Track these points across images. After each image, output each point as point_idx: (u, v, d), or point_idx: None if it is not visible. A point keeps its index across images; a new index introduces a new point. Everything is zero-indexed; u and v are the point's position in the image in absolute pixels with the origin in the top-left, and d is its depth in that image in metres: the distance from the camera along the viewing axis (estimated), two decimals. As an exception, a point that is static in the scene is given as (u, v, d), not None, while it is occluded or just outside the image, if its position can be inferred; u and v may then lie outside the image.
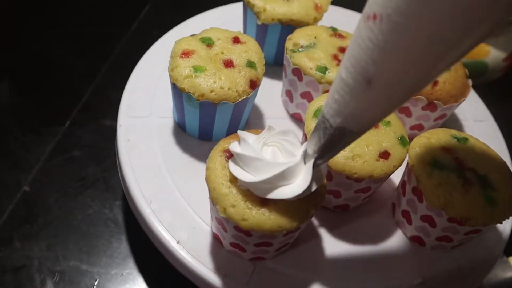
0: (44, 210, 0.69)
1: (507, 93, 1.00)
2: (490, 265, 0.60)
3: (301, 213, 0.48)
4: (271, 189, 0.46)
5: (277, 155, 0.48)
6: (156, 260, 0.60)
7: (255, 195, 0.47)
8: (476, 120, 0.76)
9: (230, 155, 0.50)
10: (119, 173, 0.62)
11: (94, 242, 0.67)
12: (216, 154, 0.51)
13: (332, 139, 0.42)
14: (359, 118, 0.39)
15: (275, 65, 0.76)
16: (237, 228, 0.49)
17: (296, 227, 0.47)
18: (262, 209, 0.47)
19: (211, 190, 0.49)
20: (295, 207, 0.47)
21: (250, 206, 0.47)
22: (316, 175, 0.46)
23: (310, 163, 0.45)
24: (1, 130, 0.78)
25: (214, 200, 0.48)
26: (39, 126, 0.80)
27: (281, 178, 0.46)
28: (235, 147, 0.48)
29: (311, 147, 0.45)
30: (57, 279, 0.63)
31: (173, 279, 0.63)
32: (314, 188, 0.47)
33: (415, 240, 0.60)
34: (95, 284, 0.63)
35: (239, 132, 0.49)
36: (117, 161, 0.62)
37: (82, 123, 0.81)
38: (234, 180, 0.48)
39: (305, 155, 0.46)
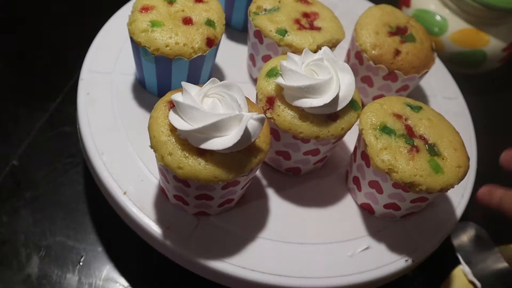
0: (32, 184, 0.69)
1: (505, 84, 0.98)
2: (441, 238, 0.60)
3: (239, 166, 0.48)
4: (205, 139, 0.46)
5: (217, 107, 0.48)
6: (138, 241, 0.59)
7: (193, 145, 0.47)
8: (445, 97, 0.75)
9: (173, 106, 0.50)
10: (77, 127, 0.62)
11: (81, 218, 0.67)
12: (161, 104, 0.51)
13: None
14: None
15: (244, 32, 0.76)
16: (175, 178, 0.49)
17: (232, 179, 0.48)
18: (199, 159, 0.47)
19: (151, 138, 0.49)
20: (233, 159, 0.48)
21: (187, 155, 0.47)
22: (250, 130, 0.47)
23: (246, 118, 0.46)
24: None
25: (153, 148, 0.49)
26: (31, 100, 0.79)
27: (215, 129, 0.46)
28: (177, 96, 0.48)
29: None
30: (43, 254, 0.63)
31: (150, 259, 0.64)
32: (247, 143, 0.47)
33: (364, 207, 0.60)
34: (81, 260, 0.63)
35: (183, 83, 0.49)
36: (76, 115, 0.63)
37: (74, 99, 0.80)
38: (174, 129, 0.48)
39: None
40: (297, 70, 0.53)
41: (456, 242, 0.68)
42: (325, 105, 0.52)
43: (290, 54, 0.54)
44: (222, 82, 0.49)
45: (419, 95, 0.74)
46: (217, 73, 0.70)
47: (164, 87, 0.62)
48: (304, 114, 0.53)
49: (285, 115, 0.53)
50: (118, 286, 0.63)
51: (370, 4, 0.86)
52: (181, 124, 0.47)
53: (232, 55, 0.72)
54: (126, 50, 0.69)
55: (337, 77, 0.53)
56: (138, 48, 0.58)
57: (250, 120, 0.47)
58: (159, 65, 0.59)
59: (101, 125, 0.60)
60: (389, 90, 0.66)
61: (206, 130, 0.46)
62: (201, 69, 0.61)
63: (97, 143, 0.59)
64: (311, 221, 0.58)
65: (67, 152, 0.73)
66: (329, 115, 0.54)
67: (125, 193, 0.55)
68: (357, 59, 0.66)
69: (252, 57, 0.68)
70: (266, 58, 0.65)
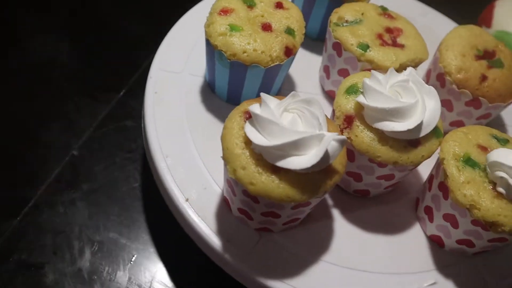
0: (90, 177, 0.69)
1: None
2: (513, 282, 0.56)
3: (313, 187, 0.45)
4: (282, 157, 0.44)
5: (297, 123, 0.46)
6: (192, 246, 0.58)
7: (268, 161, 0.45)
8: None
9: (249, 117, 0.48)
10: (142, 124, 0.61)
11: (136, 216, 0.66)
12: (236, 114, 0.49)
13: None
14: None
15: (318, 41, 0.73)
16: (245, 192, 0.47)
17: (305, 200, 0.45)
18: (273, 176, 0.45)
19: (224, 149, 0.47)
20: (308, 180, 0.45)
21: (260, 171, 0.45)
22: (330, 152, 0.44)
23: (327, 139, 0.43)
24: (58, 90, 0.78)
25: (226, 160, 0.47)
26: (95, 91, 0.79)
27: (294, 147, 0.44)
28: (255, 108, 0.46)
29: None
30: (95, 249, 0.63)
31: (203, 267, 0.62)
32: (325, 164, 0.45)
33: (434, 239, 0.57)
34: (132, 259, 0.63)
35: (262, 94, 0.47)
36: (142, 112, 0.62)
37: (137, 93, 0.78)
38: (249, 142, 0.46)
39: None
40: (381, 90, 0.50)
41: None
42: (408, 131, 0.49)
43: (374, 72, 0.51)
44: (303, 97, 0.47)
45: (496, 123, 0.70)
46: (288, 82, 0.67)
47: (235, 93, 0.60)
48: (384, 137, 0.50)
49: (363, 137, 0.50)
50: (168, 290, 0.61)
51: (449, 20, 0.82)
52: (258, 138, 0.45)
53: (303, 64, 0.70)
54: (197, 50, 0.67)
55: (422, 102, 0.50)
56: (213, 51, 0.56)
57: (331, 141, 0.44)
58: (233, 70, 0.57)
59: (167, 127, 0.59)
60: (470, 117, 0.62)
61: (284, 147, 0.44)
62: (275, 78, 0.59)
63: (162, 145, 0.57)
64: (376, 248, 0.55)
65: (126, 147, 0.72)
66: (410, 140, 0.51)
67: (187, 200, 0.54)
68: (438, 81, 0.62)
69: (326, 69, 0.65)
70: (343, 72, 0.62)
